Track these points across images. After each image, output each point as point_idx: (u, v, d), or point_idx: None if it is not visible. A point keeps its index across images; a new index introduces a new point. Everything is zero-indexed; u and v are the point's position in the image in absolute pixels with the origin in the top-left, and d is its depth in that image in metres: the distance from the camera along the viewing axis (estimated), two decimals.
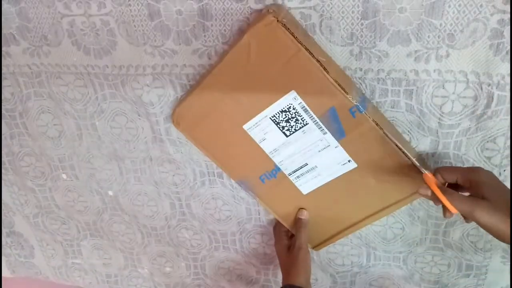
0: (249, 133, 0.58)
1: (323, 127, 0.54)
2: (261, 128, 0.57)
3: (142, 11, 0.55)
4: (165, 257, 0.81)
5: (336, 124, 0.53)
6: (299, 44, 0.49)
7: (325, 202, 0.61)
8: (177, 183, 0.70)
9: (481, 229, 0.60)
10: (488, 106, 0.51)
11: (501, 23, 0.46)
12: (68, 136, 0.70)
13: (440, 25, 0.48)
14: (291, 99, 0.53)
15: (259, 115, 0.56)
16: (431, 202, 0.60)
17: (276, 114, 0.55)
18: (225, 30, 0.54)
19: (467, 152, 0.55)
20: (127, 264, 0.85)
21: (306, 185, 0.61)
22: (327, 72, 0.49)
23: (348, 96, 0.50)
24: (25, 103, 0.69)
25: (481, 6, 0.46)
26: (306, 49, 0.49)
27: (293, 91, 0.53)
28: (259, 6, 0.52)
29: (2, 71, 0.66)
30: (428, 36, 0.49)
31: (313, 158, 0.58)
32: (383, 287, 0.72)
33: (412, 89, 0.52)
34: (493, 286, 0.66)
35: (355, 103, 0.51)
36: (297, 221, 0.63)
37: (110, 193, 0.75)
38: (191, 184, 0.69)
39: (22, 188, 0.80)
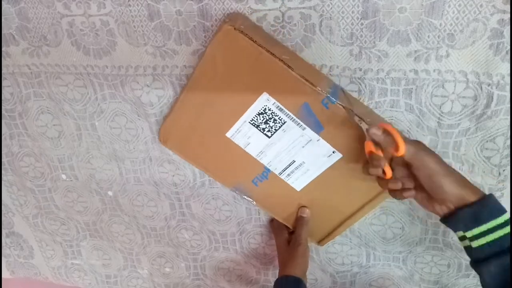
0: (233, 140, 0.59)
1: (301, 123, 0.55)
2: (243, 133, 0.58)
3: (142, 11, 0.55)
4: (165, 257, 0.81)
5: (312, 118, 0.54)
6: (260, 47, 0.50)
7: (320, 195, 0.62)
8: (177, 184, 0.70)
9: None
10: (487, 106, 0.51)
11: (501, 23, 0.47)
12: (68, 137, 0.70)
13: (440, 25, 0.48)
14: (265, 101, 0.54)
15: (238, 121, 0.57)
16: None
17: (254, 118, 0.56)
18: None
19: (466, 152, 0.55)
20: (127, 264, 0.85)
21: (298, 181, 0.61)
22: (292, 69, 0.51)
23: (317, 88, 0.51)
24: (25, 103, 0.68)
25: (481, 6, 0.46)
26: (267, 50, 0.50)
27: (264, 93, 0.54)
28: (259, 6, 0.52)
29: (2, 71, 0.66)
30: (428, 36, 0.49)
31: (298, 154, 0.58)
32: (383, 287, 0.72)
33: (412, 88, 0.53)
34: None
35: (326, 95, 0.52)
36: (298, 219, 0.64)
37: (110, 193, 0.75)
38: (191, 185, 0.69)
39: (21, 188, 0.80)
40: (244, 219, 0.70)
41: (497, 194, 0.57)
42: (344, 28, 0.51)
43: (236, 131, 0.58)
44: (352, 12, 0.49)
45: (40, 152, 0.74)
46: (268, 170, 0.61)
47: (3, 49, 0.63)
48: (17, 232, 0.87)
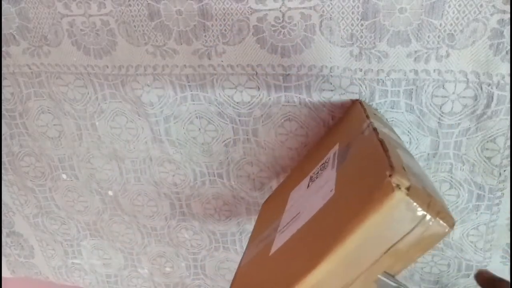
0: None
1: None
2: None
3: (142, 11, 0.55)
4: (165, 257, 0.81)
5: None
6: None
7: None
8: (177, 183, 0.70)
9: (481, 229, 0.60)
10: (488, 106, 0.51)
11: (501, 23, 0.47)
12: (68, 136, 0.70)
13: (440, 25, 0.48)
14: None
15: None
16: None
17: None
18: (225, 30, 0.54)
19: (467, 152, 0.55)
20: (127, 264, 0.85)
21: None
22: None
23: None
24: (25, 103, 0.69)
25: (481, 6, 0.46)
26: None
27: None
28: (259, 6, 0.52)
29: (2, 71, 0.66)
30: (428, 36, 0.49)
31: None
32: None
33: (412, 89, 0.53)
34: None
35: None
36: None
37: (110, 193, 0.75)
38: (191, 184, 0.69)
39: (22, 188, 0.80)
40: (244, 218, 0.70)
41: (497, 194, 0.57)
42: (344, 29, 0.51)
43: None
44: (352, 12, 0.49)
45: (41, 151, 0.74)
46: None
47: (3, 49, 0.64)
48: (17, 231, 0.87)
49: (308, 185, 0.48)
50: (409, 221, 0.31)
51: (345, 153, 0.44)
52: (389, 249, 0.32)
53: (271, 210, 0.56)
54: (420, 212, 0.30)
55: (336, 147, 0.47)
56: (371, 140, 0.40)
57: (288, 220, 0.46)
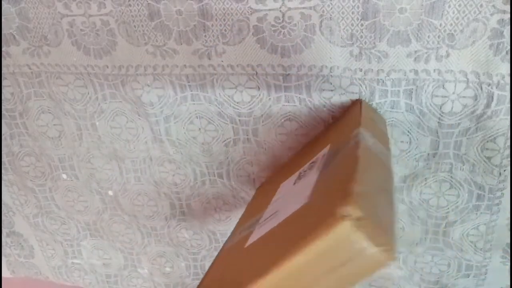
0: None
1: None
2: None
3: (142, 11, 0.55)
4: (165, 257, 0.81)
5: None
6: None
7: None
8: (177, 183, 0.70)
9: (481, 229, 0.60)
10: (488, 106, 0.51)
11: (501, 23, 0.47)
12: (68, 136, 0.70)
13: (440, 25, 0.48)
14: None
15: None
16: (431, 202, 0.60)
17: None
18: (225, 30, 0.54)
19: (467, 152, 0.55)
20: (127, 264, 0.85)
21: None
22: None
23: None
24: (25, 103, 0.69)
25: (481, 6, 0.46)
26: None
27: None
28: (259, 6, 0.52)
29: (2, 71, 0.66)
30: (428, 36, 0.49)
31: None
32: (383, 287, 0.72)
33: (412, 89, 0.53)
34: (493, 286, 0.66)
35: None
36: None
37: (110, 193, 0.75)
38: (191, 184, 0.69)
39: (22, 188, 0.80)
40: None
41: (497, 194, 0.57)
42: (344, 29, 0.51)
43: None
44: (352, 12, 0.49)
45: (41, 151, 0.74)
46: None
47: (3, 49, 0.64)
48: (17, 231, 0.88)
49: (295, 182, 0.49)
50: (352, 250, 0.32)
51: (332, 159, 0.45)
52: (329, 272, 0.34)
53: (261, 199, 0.57)
54: (363, 243, 0.31)
55: (326, 149, 0.48)
56: (351, 153, 0.41)
57: (267, 216, 0.47)
